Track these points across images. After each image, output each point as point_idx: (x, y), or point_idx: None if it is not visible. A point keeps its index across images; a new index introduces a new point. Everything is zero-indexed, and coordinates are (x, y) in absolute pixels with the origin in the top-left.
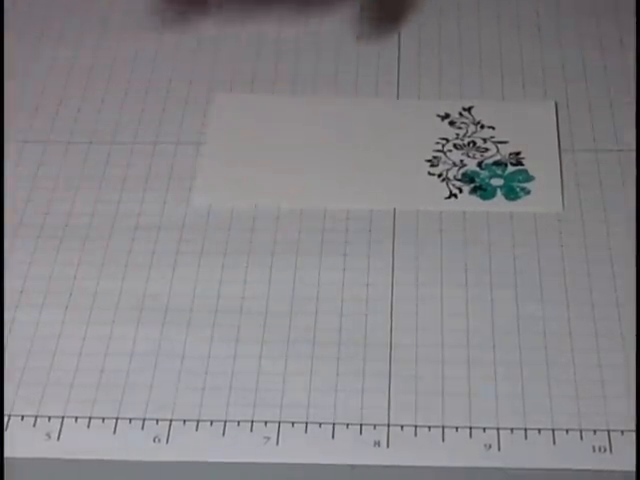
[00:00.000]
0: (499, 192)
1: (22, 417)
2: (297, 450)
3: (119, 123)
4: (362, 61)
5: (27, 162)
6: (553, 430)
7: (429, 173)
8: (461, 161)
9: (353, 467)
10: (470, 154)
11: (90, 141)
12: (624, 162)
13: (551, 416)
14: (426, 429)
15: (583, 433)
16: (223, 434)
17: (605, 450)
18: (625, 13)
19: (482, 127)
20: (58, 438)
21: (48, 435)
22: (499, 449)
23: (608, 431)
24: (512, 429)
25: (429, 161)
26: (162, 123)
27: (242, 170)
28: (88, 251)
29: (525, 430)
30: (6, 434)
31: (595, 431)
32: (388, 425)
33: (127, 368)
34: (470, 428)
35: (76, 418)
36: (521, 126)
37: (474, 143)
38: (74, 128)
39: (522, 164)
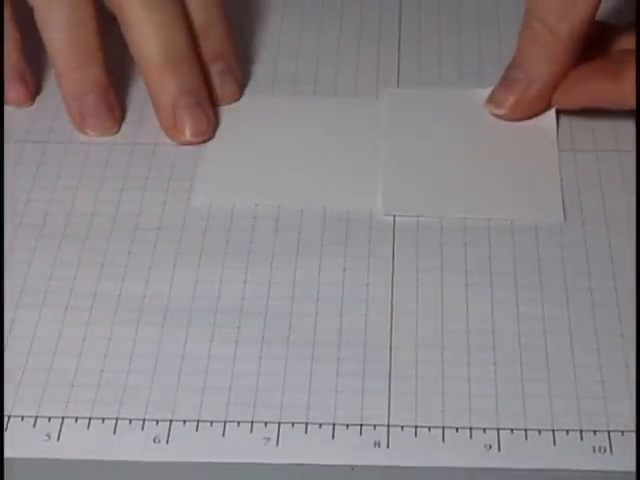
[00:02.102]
0: None
1: (22, 418)
2: (297, 451)
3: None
4: (362, 61)
5: (27, 162)
6: (553, 431)
7: None
8: None
9: (353, 467)
10: None
11: (90, 141)
12: (624, 162)
13: (551, 416)
14: (426, 429)
15: (583, 434)
16: (223, 434)
17: (605, 451)
18: (625, 13)
19: None
20: (58, 439)
21: (48, 436)
22: (499, 449)
23: (608, 432)
24: (512, 429)
25: None
26: None
27: (242, 170)
28: (88, 251)
29: (525, 430)
30: (6, 434)
31: (595, 432)
32: (388, 425)
33: (127, 369)
34: (470, 429)
35: (76, 419)
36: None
37: None
38: (74, 128)
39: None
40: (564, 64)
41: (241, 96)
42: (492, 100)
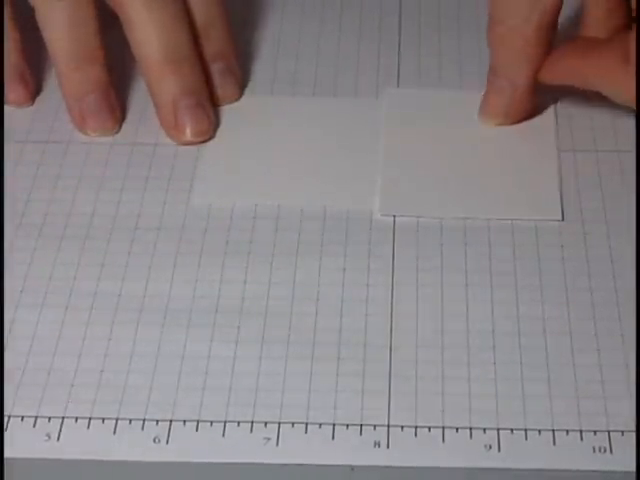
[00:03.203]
0: None
1: (22, 418)
2: (297, 451)
3: None
4: (362, 62)
5: (27, 162)
6: (553, 431)
7: None
8: None
9: (353, 468)
10: None
11: (90, 141)
12: (624, 162)
13: (551, 417)
14: (426, 429)
15: (583, 434)
16: (223, 434)
17: (605, 451)
18: None
19: None
20: (58, 439)
21: (48, 436)
22: (499, 450)
23: (608, 432)
24: (512, 429)
25: None
26: None
27: (242, 170)
28: (88, 251)
29: (525, 431)
30: (6, 434)
31: (595, 432)
32: (388, 426)
33: (127, 369)
34: (470, 429)
35: (76, 419)
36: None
37: None
38: (74, 128)
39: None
40: (539, 59)
41: (241, 96)
42: (484, 112)
